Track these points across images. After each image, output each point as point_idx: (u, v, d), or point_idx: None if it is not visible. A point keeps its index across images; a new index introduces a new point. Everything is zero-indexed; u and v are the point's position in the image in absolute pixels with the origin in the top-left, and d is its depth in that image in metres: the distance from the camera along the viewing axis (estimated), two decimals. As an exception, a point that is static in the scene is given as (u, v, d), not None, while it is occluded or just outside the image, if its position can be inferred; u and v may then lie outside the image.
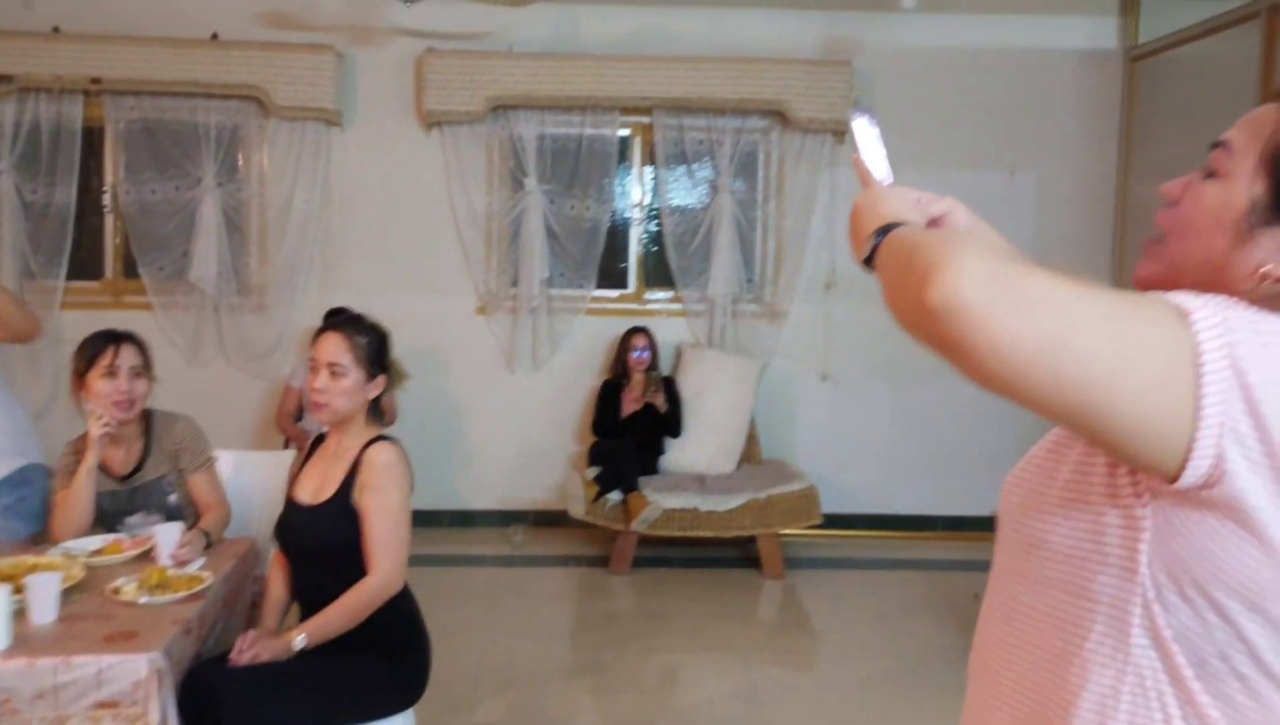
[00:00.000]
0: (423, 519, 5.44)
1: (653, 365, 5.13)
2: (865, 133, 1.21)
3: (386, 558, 2.36)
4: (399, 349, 2.65)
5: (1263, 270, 0.88)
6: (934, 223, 1.17)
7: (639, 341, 5.11)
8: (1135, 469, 0.84)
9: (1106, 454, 0.86)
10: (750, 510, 4.66)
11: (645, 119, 5.39)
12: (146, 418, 2.77)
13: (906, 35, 5.34)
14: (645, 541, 4.80)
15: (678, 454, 5.09)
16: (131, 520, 2.74)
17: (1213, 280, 0.91)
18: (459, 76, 5.16)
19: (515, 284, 5.37)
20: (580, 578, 4.81)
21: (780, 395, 5.44)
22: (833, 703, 3.55)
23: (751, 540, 4.79)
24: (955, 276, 0.77)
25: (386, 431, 2.51)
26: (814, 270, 5.46)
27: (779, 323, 5.45)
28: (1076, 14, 5.39)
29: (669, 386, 5.10)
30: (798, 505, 4.71)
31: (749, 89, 5.21)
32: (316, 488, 2.46)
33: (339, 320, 2.53)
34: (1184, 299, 0.81)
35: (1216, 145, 0.96)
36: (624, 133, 5.45)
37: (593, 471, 4.82)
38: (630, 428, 5.01)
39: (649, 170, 5.51)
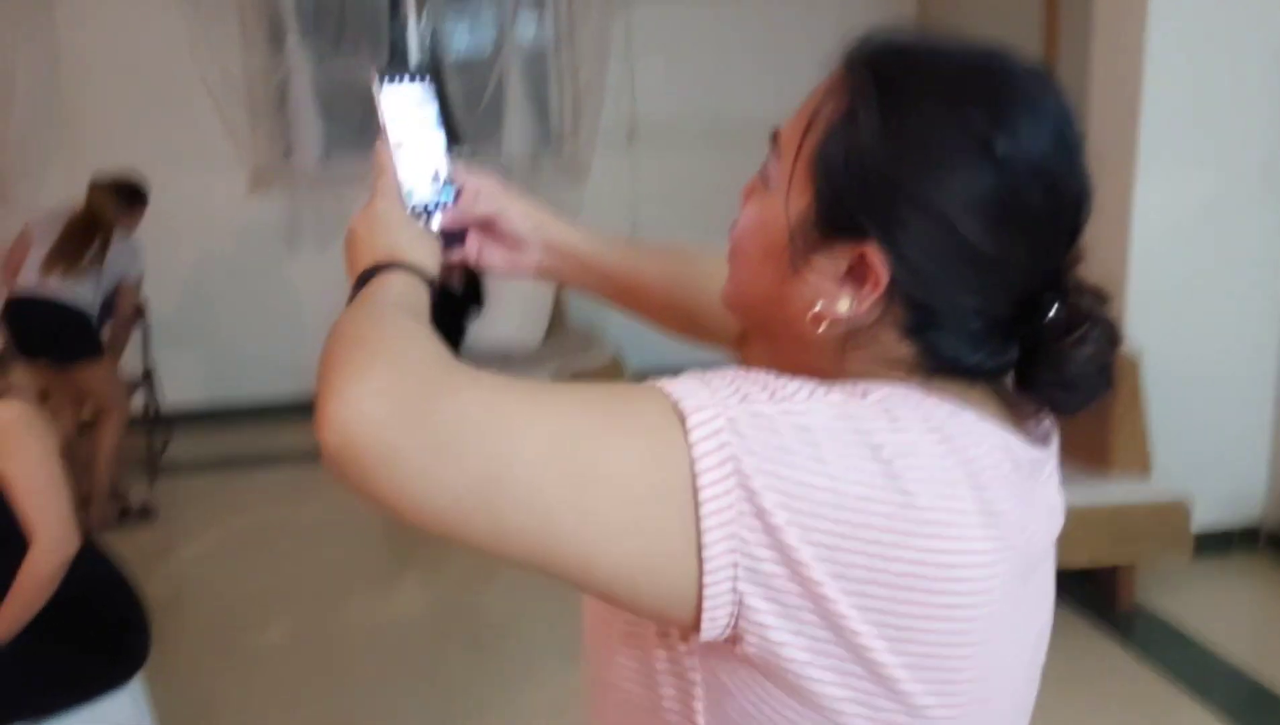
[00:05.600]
0: (218, 419, 5.13)
1: (449, 236, 4.77)
2: (408, 107, 0.83)
3: (45, 519, 2.06)
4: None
5: (813, 312, 0.65)
6: (485, 225, 0.90)
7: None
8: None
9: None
10: (555, 386, 4.47)
11: (417, -40, 4.85)
12: None
13: None
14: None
15: (482, 330, 4.82)
16: None
17: (779, 317, 0.68)
18: (192, -82, 4.49)
19: (289, 156, 4.87)
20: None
21: (589, 256, 5.17)
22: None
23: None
24: (348, 413, 0.56)
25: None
26: (614, 121, 5.12)
27: (582, 179, 5.14)
28: None
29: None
30: (602, 376, 4.54)
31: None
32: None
33: None
34: (687, 393, 0.58)
35: (775, 135, 0.70)
36: (394, -23, 4.89)
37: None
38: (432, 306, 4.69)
39: (426, 22, 4.99)
